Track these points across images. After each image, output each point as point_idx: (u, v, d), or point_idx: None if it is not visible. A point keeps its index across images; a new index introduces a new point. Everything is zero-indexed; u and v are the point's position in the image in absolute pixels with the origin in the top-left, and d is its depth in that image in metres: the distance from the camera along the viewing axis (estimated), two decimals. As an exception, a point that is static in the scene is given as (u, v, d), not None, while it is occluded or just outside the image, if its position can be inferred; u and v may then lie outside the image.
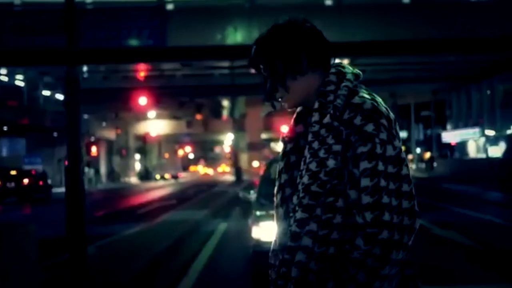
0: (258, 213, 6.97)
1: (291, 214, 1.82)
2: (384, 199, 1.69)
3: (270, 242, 6.29)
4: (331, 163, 1.74)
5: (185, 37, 19.41)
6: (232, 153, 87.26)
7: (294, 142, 1.91)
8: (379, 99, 1.81)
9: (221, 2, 20.54)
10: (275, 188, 1.94)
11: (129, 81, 37.71)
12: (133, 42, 18.79)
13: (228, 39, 19.78)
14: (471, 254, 9.43)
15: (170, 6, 20.29)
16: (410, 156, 48.38)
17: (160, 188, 38.85)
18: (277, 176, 1.95)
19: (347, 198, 1.73)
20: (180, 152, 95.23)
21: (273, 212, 6.24)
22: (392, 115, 1.80)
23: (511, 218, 14.15)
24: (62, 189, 32.84)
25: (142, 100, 41.17)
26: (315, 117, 1.80)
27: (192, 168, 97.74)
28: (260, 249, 6.67)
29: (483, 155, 38.74)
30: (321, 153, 1.76)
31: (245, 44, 19.51)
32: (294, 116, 1.94)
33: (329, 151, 1.75)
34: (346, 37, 19.35)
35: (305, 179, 1.77)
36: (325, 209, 1.74)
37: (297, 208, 1.78)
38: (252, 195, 7.78)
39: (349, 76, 1.83)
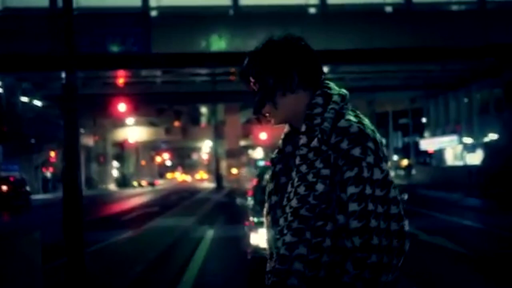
0: (256, 219, 7.00)
1: (277, 236, 1.82)
2: (372, 223, 1.69)
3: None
4: (320, 187, 1.75)
5: (169, 44, 19.41)
6: (211, 160, 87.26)
7: (283, 162, 1.90)
8: (366, 121, 1.82)
9: (205, 10, 20.56)
10: (265, 210, 1.94)
11: (108, 88, 37.50)
12: (118, 48, 18.70)
13: (212, 47, 19.81)
14: (462, 260, 9.57)
15: (154, 13, 20.26)
16: (388, 164, 48.75)
17: (140, 195, 38.61)
18: (267, 197, 1.94)
19: (336, 222, 1.74)
20: (158, 159, 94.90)
21: None
22: (378, 136, 1.81)
23: (494, 224, 14.38)
24: (40, 196, 32.32)
25: (121, 107, 40.99)
26: (303, 140, 1.80)
27: (169, 175, 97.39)
28: (258, 255, 6.71)
29: (460, 163, 39.25)
30: (310, 177, 1.76)
31: (230, 51, 19.57)
32: (282, 136, 1.94)
33: (318, 175, 1.75)
34: (330, 45, 19.53)
35: (294, 203, 1.77)
36: (315, 233, 1.74)
37: (285, 231, 1.78)
38: (250, 201, 7.80)
39: (335, 98, 1.84)
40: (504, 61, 26.75)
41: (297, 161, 1.79)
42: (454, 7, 22.41)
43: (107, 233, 13.45)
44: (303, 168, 1.77)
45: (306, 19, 20.61)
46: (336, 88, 1.88)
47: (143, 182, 61.34)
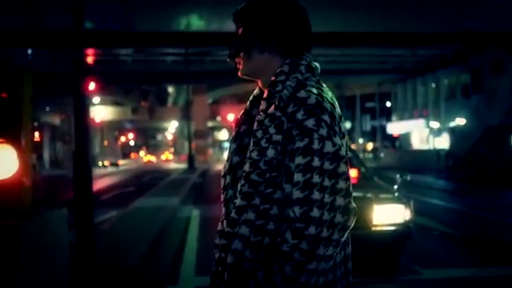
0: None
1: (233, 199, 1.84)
2: (315, 195, 1.68)
3: None
4: (270, 152, 1.74)
5: (150, 23, 19.21)
6: (176, 141, 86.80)
7: (249, 124, 1.90)
8: (328, 94, 1.81)
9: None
10: (224, 170, 1.94)
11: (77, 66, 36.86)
12: (97, 26, 18.41)
13: (192, 26, 19.68)
14: (451, 239, 9.89)
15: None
16: (353, 146, 49.42)
17: (109, 175, 38.25)
18: (227, 158, 1.94)
19: (283, 191, 1.74)
20: (122, 139, 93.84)
21: None
22: (338, 111, 1.80)
23: (469, 205, 14.84)
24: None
25: (91, 85, 40.46)
26: (263, 106, 1.81)
27: (132, 155, 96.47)
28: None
29: (426, 146, 40.04)
30: (263, 142, 1.76)
31: (210, 31, 19.48)
32: (251, 98, 1.95)
33: (270, 141, 1.75)
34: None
35: (247, 167, 1.78)
36: (263, 200, 1.74)
37: (237, 195, 1.80)
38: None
39: (301, 68, 1.83)
40: (472, 47, 27.32)
41: (255, 126, 1.80)
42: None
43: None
44: (259, 133, 1.78)
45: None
46: (308, 60, 1.87)
47: (106, 162, 60.72)
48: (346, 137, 1.83)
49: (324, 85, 1.85)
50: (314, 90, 1.77)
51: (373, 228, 6.97)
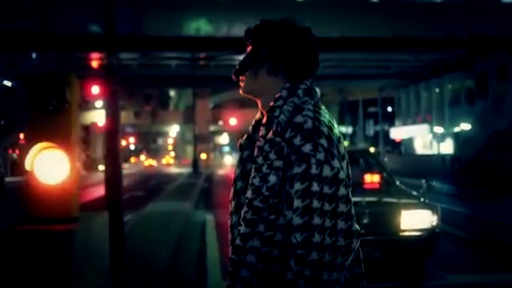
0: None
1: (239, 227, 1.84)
2: (315, 220, 1.67)
3: None
4: (272, 178, 1.75)
5: (159, 27, 19.30)
6: (177, 145, 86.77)
7: (251, 149, 1.90)
8: (326, 117, 1.82)
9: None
10: (230, 195, 1.95)
11: (82, 70, 36.90)
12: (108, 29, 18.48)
13: (202, 31, 19.75)
14: (470, 244, 9.93)
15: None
16: (344, 161, 49.27)
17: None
18: (232, 183, 1.96)
19: (286, 218, 1.75)
20: (123, 143, 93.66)
21: None
22: (336, 133, 1.81)
23: (478, 210, 14.90)
24: (10, 179, 31.45)
25: (95, 89, 40.49)
26: (262, 131, 1.82)
27: (132, 159, 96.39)
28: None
29: (429, 151, 40.09)
30: (264, 168, 1.77)
31: (218, 36, 19.56)
32: (253, 123, 1.96)
33: (271, 167, 1.76)
34: (316, 32, 19.69)
35: (249, 194, 1.79)
36: (267, 227, 1.75)
37: (241, 222, 1.81)
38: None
39: (299, 92, 1.85)
40: (480, 53, 27.39)
41: (255, 152, 1.81)
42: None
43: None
44: (259, 159, 1.78)
45: (295, 6, 20.73)
46: (307, 84, 1.88)
47: (102, 167, 60.66)
48: (346, 158, 1.84)
49: (323, 108, 1.85)
50: (311, 114, 1.78)
51: (401, 234, 7.02)
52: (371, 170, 8.62)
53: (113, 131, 6.79)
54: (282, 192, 1.75)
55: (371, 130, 45.20)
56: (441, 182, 25.55)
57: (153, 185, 27.45)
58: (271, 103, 1.84)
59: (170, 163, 78.41)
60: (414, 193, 7.97)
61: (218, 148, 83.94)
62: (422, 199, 7.53)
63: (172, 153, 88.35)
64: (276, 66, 1.87)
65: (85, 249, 4.48)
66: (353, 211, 1.75)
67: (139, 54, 30.90)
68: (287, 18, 1.91)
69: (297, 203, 1.70)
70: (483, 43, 22.49)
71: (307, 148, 1.71)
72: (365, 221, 6.93)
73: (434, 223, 7.15)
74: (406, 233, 7.04)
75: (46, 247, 4.11)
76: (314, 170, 1.70)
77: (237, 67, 1.92)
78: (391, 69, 38.10)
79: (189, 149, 66.84)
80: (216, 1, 20.43)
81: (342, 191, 1.72)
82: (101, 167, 59.21)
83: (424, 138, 41.84)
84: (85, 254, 4.47)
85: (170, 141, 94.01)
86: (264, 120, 1.84)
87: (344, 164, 1.81)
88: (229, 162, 62.66)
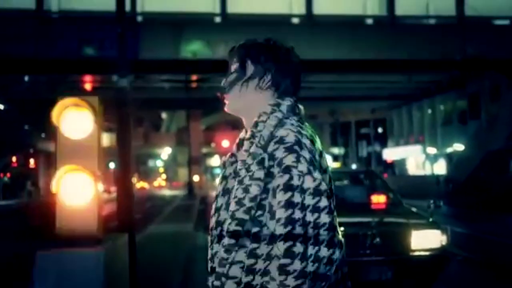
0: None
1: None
2: (297, 230, 1.68)
3: None
4: (254, 189, 1.77)
5: (156, 50, 19.39)
6: (169, 167, 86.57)
7: (234, 167, 1.92)
8: (308, 131, 1.85)
9: (193, 16, 20.61)
10: (212, 211, 1.97)
11: (75, 92, 36.91)
12: (105, 52, 18.55)
13: (200, 53, 19.86)
14: (476, 265, 9.96)
15: (140, 18, 20.19)
16: (327, 174, 49.31)
17: (108, 202, 37.96)
18: (214, 199, 1.97)
19: (269, 229, 1.76)
20: (112, 166, 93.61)
21: None
22: (318, 147, 1.84)
23: (482, 230, 14.90)
24: (2, 202, 31.10)
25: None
26: (246, 146, 1.85)
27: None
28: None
29: (422, 172, 40.25)
30: (246, 180, 1.79)
31: (217, 58, 19.64)
32: (237, 141, 1.98)
33: (252, 178, 1.78)
34: (314, 54, 19.88)
35: (232, 206, 1.81)
36: (251, 239, 1.77)
37: (225, 234, 1.82)
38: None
39: (282, 107, 1.88)
40: (475, 74, 27.71)
41: (238, 166, 1.85)
42: (433, 21, 23.10)
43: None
44: (242, 172, 1.82)
45: (291, 28, 20.92)
46: (291, 101, 1.91)
47: (99, 189, 60.25)
48: (328, 172, 1.87)
49: (306, 123, 1.89)
50: (293, 128, 1.81)
51: (412, 254, 7.06)
52: (377, 191, 8.68)
53: (125, 156, 6.81)
54: (264, 204, 1.77)
55: (364, 151, 45.40)
56: (440, 203, 25.65)
57: (150, 207, 27.35)
58: (255, 119, 1.87)
59: (162, 186, 78.19)
60: (423, 213, 8.02)
61: (209, 170, 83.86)
62: (431, 219, 7.59)
63: (164, 176, 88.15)
64: (261, 83, 1.90)
65: (112, 270, 4.49)
66: (336, 222, 1.76)
67: (133, 76, 31.00)
68: (271, 38, 1.95)
69: (279, 213, 1.72)
70: (477, 64, 22.75)
71: (289, 160, 1.74)
72: (375, 241, 6.97)
73: (444, 243, 7.20)
74: (417, 253, 7.08)
75: (74, 270, 4.12)
76: (296, 181, 1.72)
77: (222, 85, 1.95)
78: (384, 90, 38.40)
79: (181, 172, 66.78)
80: (213, 23, 20.59)
81: (324, 202, 1.73)
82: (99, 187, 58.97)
83: (417, 159, 42.03)
84: (111, 274, 4.48)
85: (161, 163, 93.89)
86: (247, 135, 1.86)
87: (326, 177, 1.83)
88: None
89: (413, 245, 7.05)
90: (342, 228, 6.09)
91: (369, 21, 22.25)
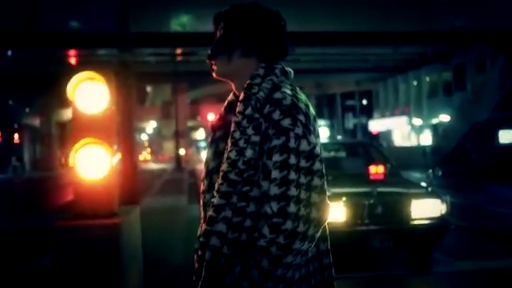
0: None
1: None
2: (292, 191, 1.72)
3: None
4: (249, 153, 1.79)
5: (144, 24, 19.20)
6: (154, 141, 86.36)
7: (224, 129, 1.95)
8: (302, 96, 1.87)
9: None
10: (203, 174, 1.99)
11: (60, 67, 36.54)
12: (95, 26, 18.36)
13: (189, 27, 19.74)
14: (469, 233, 10.18)
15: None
16: (319, 138, 49.60)
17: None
18: (204, 163, 1.99)
19: (261, 189, 1.79)
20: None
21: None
22: (312, 112, 1.86)
23: (471, 199, 15.24)
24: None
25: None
26: (239, 107, 1.85)
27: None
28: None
29: (408, 143, 40.61)
30: (241, 143, 1.80)
31: (206, 32, 19.54)
32: (225, 104, 1.99)
33: (248, 141, 1.80)
34: (304, 26, 19.84)
35: (225, 167, 1.83)
36: (240, 198, 1.79)
37: (215, 194, 1.84)
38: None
39: (276, 71, 1.89)
40: (462, 45, 27.84)
41: (232, 127, 1.84)
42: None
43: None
44: (237, 134, 1.82)
45: (279, 1, 20.80)
46: (282, 65, 1.93)
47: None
48: (319, 137, 1.90)
49: (297, 88, 1.91)
50: (289, 92, 1.83)
51: (412, 223, 7.20)
52: (375, 162, 8.79)
53: (128, 130, 6.84)
54: (257, 165, 1.79)
55: (350, 123, 45.61)
56: (423, 173, 26.00)
57: (140, 181, 27.35)
58: (248, 81, 1.87)
59: (147, 159, 77.97)
60: (422, 183, 8.16)
61: (195, 143, 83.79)
62: (429, 189, 7.72)
63: (149, 149, 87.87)
64: (249, 48, 1.90)
65: (127, 242, 4.55)
66: (325, 186, 1.81)
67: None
68: (256, 2, 1.94)
69: (274, 173, 1.74)
70: (465, 36, 22.85)
71: (286, 122, 1.76)
72: (377, 211, 7.09)
73: (444, 212, 7.34)
74: (417, 222, 7.22)
75: (93, 242, 4.17)
76: (292, 144, 1.75)
77: (209, 51, 1.94)
78: (369, 62, 38.48)
79: (166, 145, 66.64)
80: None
81: (317, 165, 1.78)
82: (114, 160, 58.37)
83: (403, 130, 42.36)
84: (127, 247, 4.55)
85: (145, 137, 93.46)
86: (241, 97, 1.86)
87: (319, 141, 1.86)
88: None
89: (413, 214, 7.18)
90: (344, 198, 6.19)
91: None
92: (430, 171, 8.53)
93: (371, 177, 8.37)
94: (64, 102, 54.65)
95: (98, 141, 4.39)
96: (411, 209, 7.17)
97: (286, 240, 1.71)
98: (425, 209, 7.27)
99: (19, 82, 37.80)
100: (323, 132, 42.95)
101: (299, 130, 1.76)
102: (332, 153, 9.50)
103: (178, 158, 37.98)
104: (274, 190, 1.73)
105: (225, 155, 1.84)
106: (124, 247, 4.35)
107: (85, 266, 4.09)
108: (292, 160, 1.74)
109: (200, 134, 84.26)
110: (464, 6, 21.12)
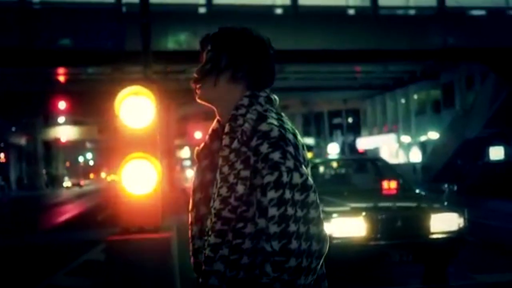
0: (327, 209, 7.29)
1: (205, 238, 1.86)
2: (291, 227, 1.69)
3: (342, 238, 6.68)
4: (240, 188, 1.76)
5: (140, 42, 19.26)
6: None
7: (210, 159, 1.92)
8: (288, 125, 1.82)
9: (178, 7, 20.55)
10: (190, 206, 1.96)
11: (48, 85, 36.39)
12: (91, 44, 18.40)
13: (185, 44, 19.82)
14: (475, 246, 10.28)
15: (125, 9, 20.04)
16: (308, 168, 49.67)
17: (83, 196, 37.69)
18: (192, 194, 1.97)
19: (256, 225, 1.75)
20: (80, 159, 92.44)
21: (342, 208, 6.65)
22: (300, 140, 1.82)
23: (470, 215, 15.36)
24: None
25: (61, 105, 39.93)
26: (225, 141, 1.81)
27: (91, 175, 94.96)
28: (332, 244, 6.98)
29: (396, 160, 40.88)
30: (231, 178, 1.77)
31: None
32: (210, 132, 1.95)
33: (238, 177, 1.76)
34: (298, 45, 20.03)
35: (217, 204, 1.79)
36: (235, 235, 1.77)
37: (210, 233, 1.81)
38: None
39: (260, 99, 1.84)
40: (450, 63, 28.23)
41: (220, 162, 1.80)
42: (414, 12, 23.48)
43: (99, 231, 13.48)
44: (225, 169, 1.78)
45: (276, 19, 21.02)
46: (267, 92, 1.88)
47: (68, 183, 59.79)
48: (309, 165, 1.87)
49: (284, 115, 1.86)
50: (275, 122, 1.78)
51: (431, 236, 7.27)
52: (388, 177, 8.88)
53: (166, 143, 6.83)
54: (249, 200, 1.76)
55: (339, 140, 45.86)
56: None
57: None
58: (233, 112, 1.83)
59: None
60: (436, 197, 8.26)
61: (180, 162, 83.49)
62: (445, 203, 7.82)
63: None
64: (237, 74, 1.86)
65: (173, 258, 4.58)
66: (322, 216, 1.78)
67: (112, 68, 30.74)
68: (247, 27, 1.90)
69: (272, 211, 1.70)
70: (455, 54, 23.20)
71: (276, 156, 1.72)
72: (397, 225, 7.17)
73: (461, 226, 7.43)
74: (436, 236, 7.29)
75: (143, 256, 4.19)
76: (285, 178, 1.71)
77: (195, 74, 1.90)
78: (357, 80, 38.80)
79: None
80: (196, 14, 20.57)
81: (312, 197, 1.74)
82: (66, 184, 58.24)
83: (391, 148, 42.67)
84: (172, 259, 4.57)
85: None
86: (226, 129, 1.83)
87: (309, 170, 1.83)
88: (190, 175, 62.32)
89: (432, 228, 7.26)
90: (363, 213, 6.26)
91: (351, 11, 22.47)
92: (446, 185, 8.61)
93: (385, 192, 8.45)
94: (49, 121, 54.38)
95: (146, 155, 4.42)
96: (430, 223, 7.24)
97: (290, 277, 1.69)
98: (444, 223, 7.35)
99: (5, 100, 37.55)
100: (333, 149, 42.89)
101: (290, 163, 1.72)
102: (346, 169, 9.59)
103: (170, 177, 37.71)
104: (274, 228, 1.70)
105: (215, 191, 1.80)
106: (174, 261, 4.38)
107: (138, 279, 4.11)
108: (287, 195, 1.70)
109: (185, 153, 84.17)
110: (454, 24, 21.49)
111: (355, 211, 7.22)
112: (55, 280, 8.18)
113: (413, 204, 7.87)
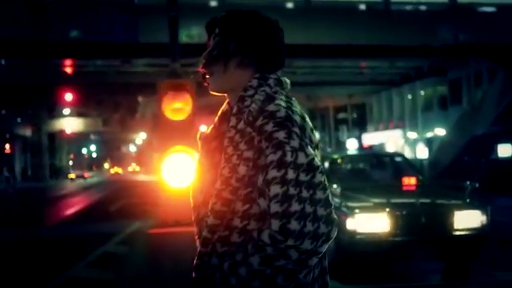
0: (350, 204, 7.30)
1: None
2: (294, 207, 1.63)
3: (365, 233, 6.71)
4: (242, 169, 1.72)
5: (155, 34, 19.26)
6: (142, 152, 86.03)
7: (219, 140, 1.85)
8: (297, 108, 1.78)
9: (190, 0, 20.53)
10: (193, 188, 1.90)
11: (55, 77, 36.42)
12: (105, 37, 18.41)
13: (196, 38, 19.79)
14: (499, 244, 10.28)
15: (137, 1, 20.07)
16: (317, 150, 49.62)
17: (90, 188, 37.73)
18: (196, 175, 1.90)
19: (259, 206, 1.71)
20: (84, 151, 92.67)
21: (366, 204, 6.63)
22: (308, 123, 1.78)
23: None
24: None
25: (68, 97, 40.01)
26: (232, 122, 1.77)
27: (94, 167, 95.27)
28: (356, 240, 6.99)
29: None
30: (234, 159, 1.73)
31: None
32: (219, 113, 1.90)
33: (241, 157, 1.72)
34: (308, 38, 20.03)
35: (218, 184, 1.75)
36: (241, 217, 1.72)
37: (209, 213, 1.76)
38: (336, 188, 8.03)
39: (270, 81, 1.80)
40: (457, 59, 28.17)
41: (225, 142, 1.77)
42: (425, 8, 23.44)
43: (113, 224, 13.55)
44: (230, 150, 1.74)
45: (287, 13, 21.01)
46: (277, 75, 1.84)
47: (72, 175, 59.96)
48: (318, 149, 1.81)
49: (293, 99, 1.82)
50: (283, 103, 1.74)
51: (455, 233, 7.28)
52: (409, 173, 8.88)
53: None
54: (253, 181, 1.72)
55: (344, 136, 45.82)
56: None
57: (140, 192, 27.27)
58: (241, 93, 1.79)
59: (136, 171, 77.67)
60: (458, 194, 8.26)
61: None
62: (468, 200, 7.82)
63: (136, 161, 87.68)
64: (246, 58, 1.80)
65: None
66: (331, 199, 1.70)
67: (120, 60, 30.72)
68: (255, 10, 1.85)
69: (274, 190, 1.65)
70: (464, 50, 23.19)
71: (281, 135, 1.67)
72: (420, 221, 7.18)
73: (484, 223, 7.44)
74: (459, 233, 7.31)
75: (185, 249, 4.20)
76: (289, 157, 1.66)
77: (203, 60, 1.82)
78: (364, 75, 38.76)
79: (156, 157, 66.25)
80: (208, 7, 20.56)
81: (318, 177, 1.68)
82: (71, 175, 58.36)
83: (397, 143, 42.63)
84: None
85: (134, 149, 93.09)
86: (234, 110, 1.79)
87: (318, 153, 1.78)
88: None
89: (455, 224, 7.27)
90: (387, 209, 6.26)
91: (362, 7, 22.45)
92: (468, 182, 8.61)
93: (407, 188, 8.46)
94: (55, 112, 54.42)
95: (187, 148, 4.43)
96: (453, 220, 7.26)
97: (296, 260, 1.65)
98: (467, 219, 7.36)
99: (12, 91, 37.59)
100: (352, 144, 42.81)
101: (295, 143, 1.67)
102: (366, 165, 9.59)
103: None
104: (275, 207, 1.64)
105: (219, 172, 1.76)
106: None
107: (179, 270, 4.13)
108: (291, 175, 1.65)
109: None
110: (465, 20, 21.45)
111: (379, 207, 7.23)
112: (76, 272, 8.20)
113: (436, 201, 7.88)
